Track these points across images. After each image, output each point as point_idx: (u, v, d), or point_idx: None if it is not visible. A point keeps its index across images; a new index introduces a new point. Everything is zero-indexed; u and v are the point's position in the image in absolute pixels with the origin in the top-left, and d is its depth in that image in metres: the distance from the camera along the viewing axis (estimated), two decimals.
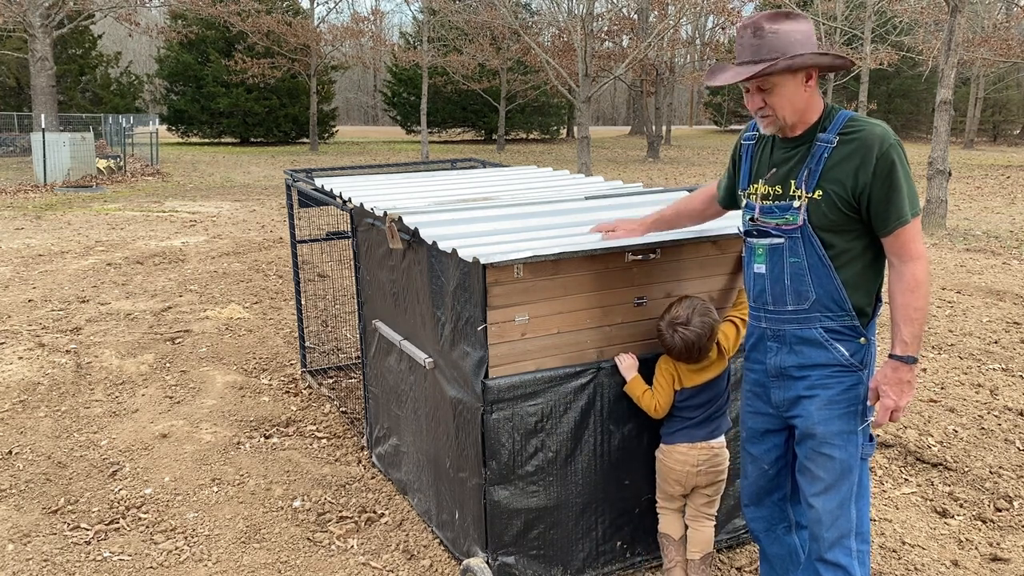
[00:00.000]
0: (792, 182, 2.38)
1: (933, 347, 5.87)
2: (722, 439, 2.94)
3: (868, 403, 2.39)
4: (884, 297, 2.43)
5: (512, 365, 2.70)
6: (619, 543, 3.02)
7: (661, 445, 2.95)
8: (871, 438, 2.45)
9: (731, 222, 3.12)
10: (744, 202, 2.56)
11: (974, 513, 3.59)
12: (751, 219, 2.51)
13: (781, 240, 2.41)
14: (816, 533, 2.45)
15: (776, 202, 2.42)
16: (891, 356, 2.30)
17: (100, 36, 33.03)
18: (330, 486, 3.79)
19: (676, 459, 2.90)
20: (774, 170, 2.45)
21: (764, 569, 2.80)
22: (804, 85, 2.34)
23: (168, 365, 5.39)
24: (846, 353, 2.38)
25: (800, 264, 2.38)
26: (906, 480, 3.91)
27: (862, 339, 2.38)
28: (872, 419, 2.39)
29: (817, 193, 2.33)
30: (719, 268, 3.02)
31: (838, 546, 2.42)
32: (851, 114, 2.36)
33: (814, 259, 2.36)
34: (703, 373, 2.87)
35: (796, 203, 2.37)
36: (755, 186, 2.50)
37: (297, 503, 3.65)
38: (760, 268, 2.49)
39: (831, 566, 2.43)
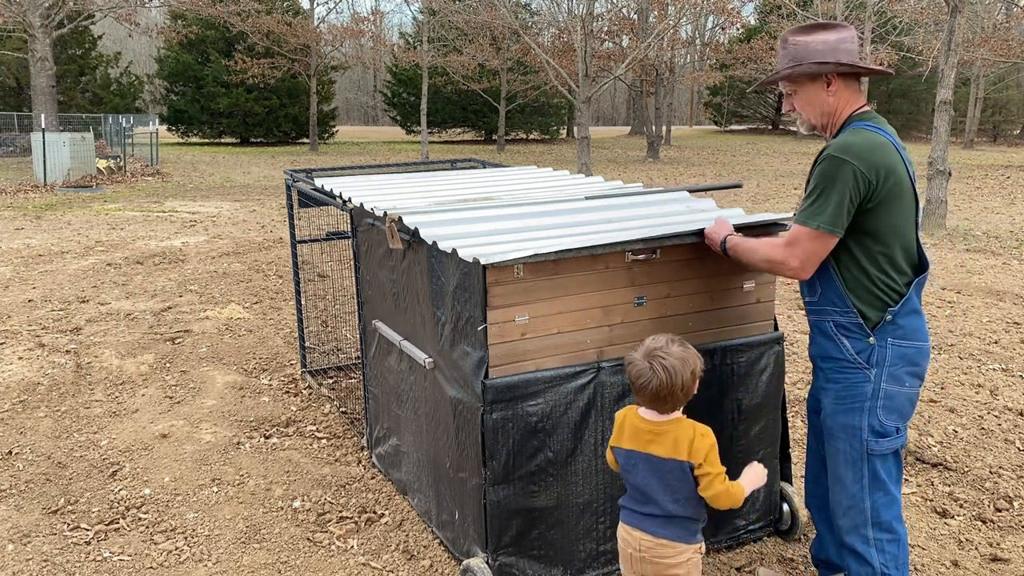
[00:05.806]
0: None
1: (933, 347, 5.87)
2: (674, 542, 2.32)
3: None
4: (920, 308, 2.49)
5: (512, 365, 2.70)
6: None
7: None
8: (881, 435, 2.49)
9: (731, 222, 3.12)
10: None
11: (974, 513, 3.58)
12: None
13: None
14: (833, 521, 2.63)
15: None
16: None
17: (100, 36, 33.00)
18: (330, 486, 3.79)
19: (620, 535, 2.44)
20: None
21: (815, 542, 2.94)
22: (826, 90, 2.50)
23: (168, 365, 5.39)
24: (852, 350, 2.49)
25: None
26: (906, 480, 3.90)
27: (870, 339, 2.46)
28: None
29: None
30: (720, 268, 3.01)
31: (854, 533, 2.54)
32: (858, 125, 2.47)
33: None
34: (651, 441, 2.33)
35: None
36: None
37: (297, 503, 3.65)
38: None
39: (848, 551, 2.57)
